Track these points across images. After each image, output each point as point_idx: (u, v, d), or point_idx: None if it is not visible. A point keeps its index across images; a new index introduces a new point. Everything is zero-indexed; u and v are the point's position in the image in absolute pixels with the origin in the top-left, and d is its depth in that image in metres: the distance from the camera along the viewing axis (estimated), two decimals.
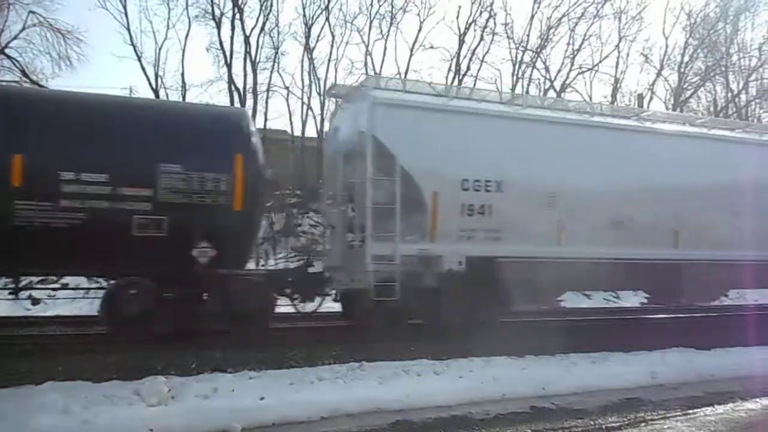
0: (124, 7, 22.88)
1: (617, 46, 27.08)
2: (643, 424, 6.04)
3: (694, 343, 9.27)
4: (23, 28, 21.81)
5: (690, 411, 6.54)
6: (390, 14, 25.34)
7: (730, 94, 28.94)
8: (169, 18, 24.18)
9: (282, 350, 7.92)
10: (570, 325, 11.24)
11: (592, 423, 6.03)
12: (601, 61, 27.23)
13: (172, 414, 5.53)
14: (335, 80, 23.15)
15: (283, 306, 10.06)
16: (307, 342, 8.89)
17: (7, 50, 21.81)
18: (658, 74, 27.87)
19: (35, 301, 12.60)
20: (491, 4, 25.23)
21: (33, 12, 21.57)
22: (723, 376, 8.08)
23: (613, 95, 27.54)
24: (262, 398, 5.99)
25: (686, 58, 27.58)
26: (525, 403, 6.65)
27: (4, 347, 8.03)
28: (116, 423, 5.29)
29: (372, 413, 6.08)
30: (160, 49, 23.71)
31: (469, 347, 8.27)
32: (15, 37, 21.87)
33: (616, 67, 27.36)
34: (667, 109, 27.41)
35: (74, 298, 11.03)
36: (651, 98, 27.86)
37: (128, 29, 22.94)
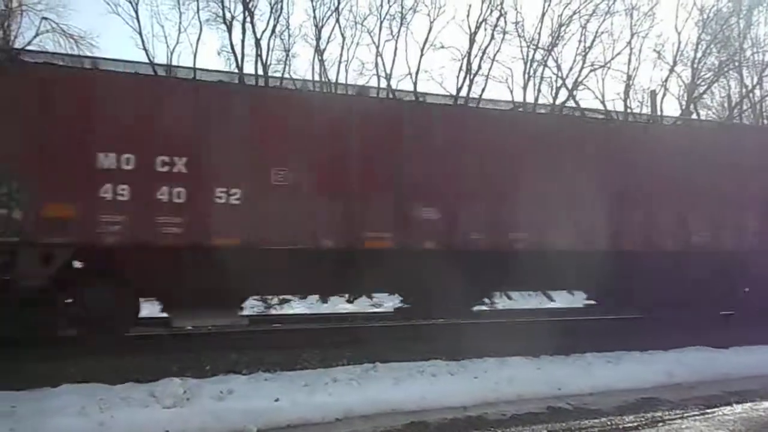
0: (136, 12, 22.98)
1: (629, 42, 26.72)
2: (660, 423, 5.99)
3: (711, 342, 9.17)
4: (36, 34, 22.03)
5: (708, 410, 6.47)
6: (400, 15, 25.21)
7: (744, 90, 28.60)
8: (180, 22, 24.23)
9: (296, 351, 7.92)
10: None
11: (609, 423, 5.99)
12: (613, 58, 26.87)
13: (187, 416, 5.56)
14: (346, 81, 23.15)
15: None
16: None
17: (20, 56, 22.01)
18: (671, 70, 27.52)
19: None
20: (501, 3, 25.01)
21: (46, 18, 21.75)
22: (741, 375, 7.98)
23: (626, 92, 27.31)
24: (276, 400, 6.00)
25: (699, 54, 27.20)
26: (541, 403, 6.61)
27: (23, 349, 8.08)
28: (132, 425, 5.33)
29: (386, 414, 6.07)
30: (171, 54, 23.84)
31: (484, 347, 8.22)
32: (29, 43, 22.06)
33: (629, 63, 27.01)
34: (681, 105, 27.17)
35: None
36: (664, 95, 27.60)
37: (140, 34, 23.05)
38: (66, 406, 5.50)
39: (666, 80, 28.22)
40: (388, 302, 12.12)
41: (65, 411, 5.41)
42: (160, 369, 6.81)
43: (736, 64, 27.65)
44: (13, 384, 6.08)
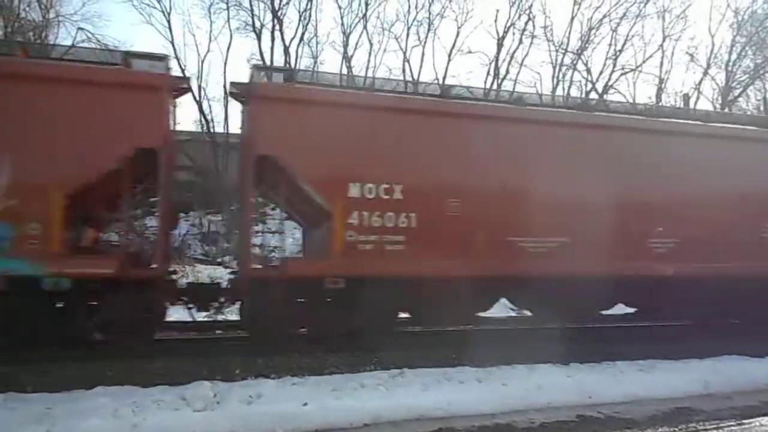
0: (168, 22, 23.50)
1: (661, 45, 26.46)
2: None
3: (747, 351, 8.94)
4: (72, 44, 22.64)
5: (745, 421, 6.30)
6: (427, 20, 25.36)
7: None
8: (211, 31, 24.79)
9: (324, 356, 7.96)
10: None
11: None
12: (644, 62, 26.64)
13: (217, 419, 5.62)
14: (373, 86, 23.23)
15: None
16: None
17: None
18: (705, 73, 27.11)
19: None
20: (530, 7, 25.02)
21: (81, 28, 22.39)
22: None
23: (658, 96, 26.91)
24: (305, 404, 6.02)
25: (734, 56, 26.78)
26: (571, 411, 6.52)
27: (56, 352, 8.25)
28: (163, 427, 5.41)
29: (414, 421, 6.06)
30: (203, 62, 24.33)
31: (513, 354, 8.15)
32: (66, 53, 22.68)
33: (661, 67, 26.72)
34: (715, 109, 26.59)
35: None
36: (698, 98, 27.11)
37: (172, 43, 23.54)
38: (100, 408, 5.62)
39: (699, 83, 27.80)
40: None
41: (99, 413, 5.53)
42: (190, 372, 6.91)
43: None
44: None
